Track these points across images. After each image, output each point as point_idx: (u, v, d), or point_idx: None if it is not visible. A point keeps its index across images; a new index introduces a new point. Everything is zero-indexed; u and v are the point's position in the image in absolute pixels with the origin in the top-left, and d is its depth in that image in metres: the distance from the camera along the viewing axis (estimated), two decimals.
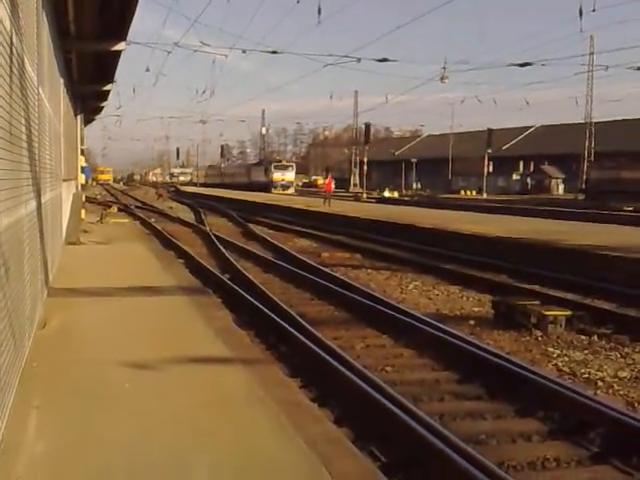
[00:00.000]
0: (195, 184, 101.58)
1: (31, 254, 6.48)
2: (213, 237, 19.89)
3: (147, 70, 33.31)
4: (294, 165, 75.78)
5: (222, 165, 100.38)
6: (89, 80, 18.69)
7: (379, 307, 9.89)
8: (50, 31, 9.57)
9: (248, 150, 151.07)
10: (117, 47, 13.48)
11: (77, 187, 23.45)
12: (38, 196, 7.32)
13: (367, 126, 66.41)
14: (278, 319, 8.92)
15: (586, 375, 7.28)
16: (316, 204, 34.74)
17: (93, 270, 12.11)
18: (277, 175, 70.06)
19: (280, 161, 75.78)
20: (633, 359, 7.94)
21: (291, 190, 68.49)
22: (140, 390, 5.28)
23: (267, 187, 67.60)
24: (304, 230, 23.93)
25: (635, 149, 60.12)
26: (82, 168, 25.92)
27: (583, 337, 8.92)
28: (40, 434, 4.35)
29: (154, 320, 8.03)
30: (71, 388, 5.34)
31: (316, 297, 11.46)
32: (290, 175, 71.36)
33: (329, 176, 43.54)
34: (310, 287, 12.21)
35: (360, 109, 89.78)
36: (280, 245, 18.89)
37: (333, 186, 40.85)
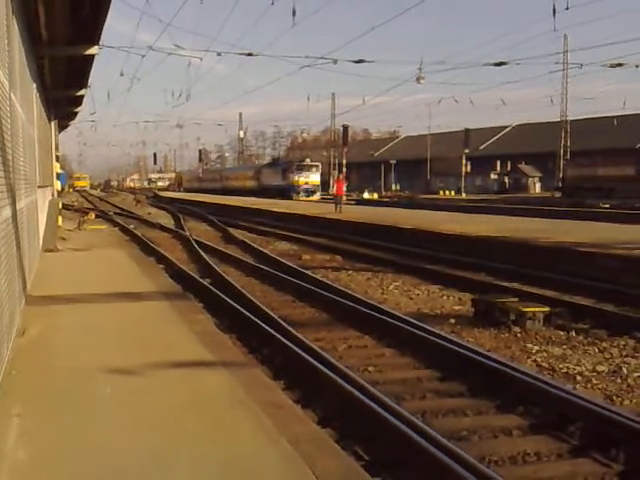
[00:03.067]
0: (176, 190, 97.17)
1: (7, 262, 6.42)
2: (193, 242, 19.84)
3: (121, 74, 33.12)
4: (319, 165, 61.88)
5: (218, 167, 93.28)
6: (63, 85, 18.56)
7: (360, 308, 9.92)
8: (21, 37, 9.50)
9: (227, 154, 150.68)
10: (90, 51, 13.41)
11: (53, 194, 23.27)
12: (13, 203, 7.26)
13: (345, 128, 66.66)
14: (260, 322, 8.92)
15: (565, 370, 7.36)
16: (296, 207, 34.72)
17: (72, 277, 12.02)
18: (300, 178, 57.60)
19: (303, 160, 61.50)
20: (611, 353, 8.04)
21: (317, 196, 56.50)
22: (122, 395, 5.26)
23: (285, 192, 56.17)
24: (284, 233, 23.93)
25: (610, 146, 60.81)
26: (58, 175, 25.72)
27: (561, 333, 9.02)
28: (21, 441, 4.32)
29: (135, 326, 8.00)
30: (52, 395, 5.31)
31: (297, 299, 11.47)
32: (315, 177, 58.56)
33: (339, 177, 35.97)
34: (291, 289, 12.22)
35: (337, 111, 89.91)
36: (260, 249, 18.88)
37: (345, 189, 35.79)
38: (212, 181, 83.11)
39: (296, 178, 57.60)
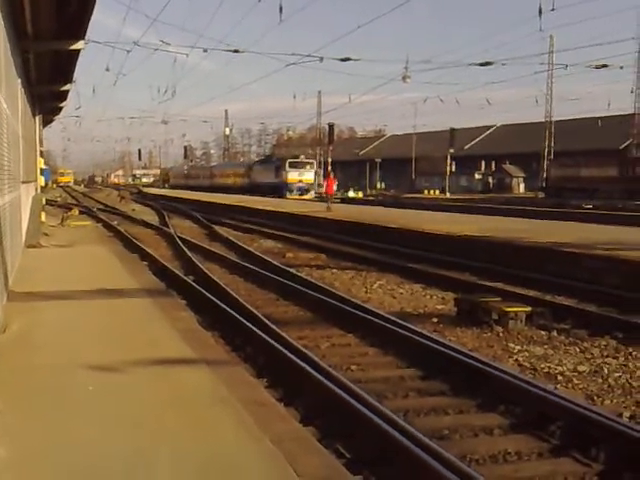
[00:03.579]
0: (160, 186, 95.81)
1: None
2: (177, 239, 19.78)
3: (107, 70, 32.98)
4: (314, 162, 59.84)
5: (203, 163, 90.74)
6: (47, 80, 18.43)
7: (344, 306, 9.94)
8: (6, 31, 9.43)
9: (212, 151, 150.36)
10: (75, 46, 13.32)
11: (37, 189, 23.10)
12: None
13: (331, 126, 66.38)
14: (243, 320, 8.91)
15: (546, 370, 7.41)
16: (282, 205, 34.70)
17: (54, 273, 11.96)
18: (293, 175, 55.59)
19: (297, 157, 59.63)
20: (592, 353, 8.10)
21: (311, 194, 54.67)
22: (103, 392, 5.24)
23: (277, 190, 54.29)
24: (269, 231, 23.91)
25: (594, 147, 61.25)
26: (41, 170, 25.54)
27: (543, 332, 9.07)
28: (2, 439, 4.30)
29: (117, 322, 7.97)
30: (33, 392, 5.28)
31: (281, 297, 11.47)
32: (309, 175, 56.38)
33: (329, 175, 35.08)
34: (275, 287, 12.22)
35: (323, 109, 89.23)
36: (245, 247, 18.85)
37: (335, 187, 35.17)
38: (201, 178, 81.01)
39: (289, 175, 55.58)
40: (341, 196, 61.34)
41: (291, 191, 54.53)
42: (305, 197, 52.36)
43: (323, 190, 36.01)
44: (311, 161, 59.25)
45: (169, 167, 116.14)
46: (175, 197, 51.08)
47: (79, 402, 5.02)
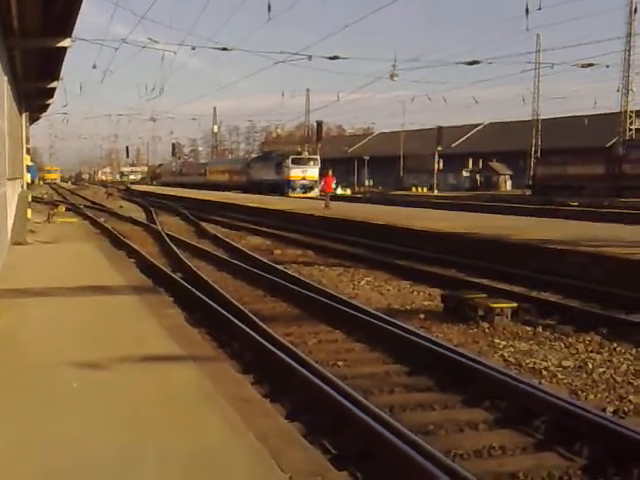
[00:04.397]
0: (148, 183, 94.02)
1: None
2: (165, 236, 19.73)
3: (94, 67, 32.74)
4: (318, 159, 55.22)
5: (192, 160, 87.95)
6: (34, 77, 18.34)
7: (331, 303, 9.95)
8: None
9: (200, 148, 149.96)
10: (62, 44, 13.28)
11: (23, 186, 22.99)
12: None
13: (319, 124, 66.74)
14: (230, 316, 8.91)
15: (531, 365, 7.46)
16: (271, 202, 34.68)
17: (40, 270, 11.90)
18: (296, 172, 52.34)
19: (300, 152, 56.51)
20: (577, 349, 8.16)
21: (315, 192, 49.93)
22: (89, 390, 5.23)
23: (279, 188, 51.55)
24: (257, 228, 23.89)
25: (581, 145, 61.57)
26: (28, 167, 25.43)
27: (528, 328, 9.12)
28: None
29: (103, 319, 7.95)
30: (19, 389, 5.27)
31: (269, 294, 11.48)
32: (313, 172, 52.49)
33: (328, 172, 33.18)
34: (263, 284, 12.22)
35: (312, 107, 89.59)
36: (233, 243, 18.83)
37: (334, 185, 34.17)
38: (194, 175, 77.97)
39: (292, 172, 52.19)
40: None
41: (294, 189, 51.37)
42: (309, 195, 48.99)
43: (322, 187, 34.67)
44: (315, 157, 55.52)
45: (158, 164, 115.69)
46: (163, 194, 50.91)
47: (64, 400, 5.01)
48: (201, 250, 17.20)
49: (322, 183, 33.55)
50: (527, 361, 7.59)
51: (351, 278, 13.72)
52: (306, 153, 56.49)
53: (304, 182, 52.08)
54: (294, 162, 52.87)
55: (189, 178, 78.06)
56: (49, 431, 4.39)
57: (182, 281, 11.92)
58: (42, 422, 4.55)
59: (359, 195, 60.02)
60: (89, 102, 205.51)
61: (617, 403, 6.24)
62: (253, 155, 75.61)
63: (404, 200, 44.58)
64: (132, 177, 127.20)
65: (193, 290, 10.87)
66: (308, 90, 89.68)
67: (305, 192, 50.74)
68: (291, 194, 49.62)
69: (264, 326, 8.36)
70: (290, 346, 7.49)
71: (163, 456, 4.02)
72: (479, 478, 4.40)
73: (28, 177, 25.88)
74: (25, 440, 4.24)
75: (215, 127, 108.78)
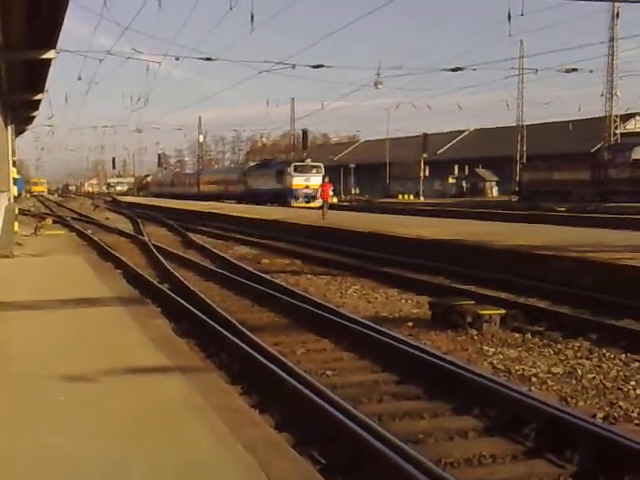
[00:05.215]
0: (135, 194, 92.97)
1: None
2: (152, 247, 19.65)
3: (79, 79, 32.65)
4: (322, 166, 51.50)
5: (178, 170, 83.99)
6: (19, 89, 18.29)
7: (319, 312, 9.93)
8: None
9: (186, 158, 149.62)
10: (47, 55, 13.26)
11: (9, 199, 22.86)
12: None
13: (304, 132, 66.91)
14: (217, 326, 8.87)
15: (520, 372, 7.46)
16: (256, 211, 34.65)
17: (27, 283, 11.83)
18: (299, 180, 49.19)
19: (303, 159, 53.38)
20: (566, 355, 8.16)
21: (318, 202, 43.50)
22: (76, 402, 5.19)
23: (280, 198, 49.09)
24: (244, 238, 23.85)
25: (566, 151, 61.89)
26: (14, 180, 25.31)
27: (517, 335, 9.12)
28: None
29: (90, 331, 7.89)
30: (5, 403, 5.21)
31: (256, 304, 11.44)
32: (316, 180, 46.88)
33: (325, 181, 31.93)
34: (250, 294, 12.18)
35: (297, 115, 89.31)
36: (220, 253, 18.79)
37: (331, 192, 33.11)
38: (187, 185, 74.62)
39: (294, 181, 49.05)
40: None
41: (297, 198, 48.39)
42: (312, 205, 45.13)
43: (318, 196, 33.48)
44: (318, 164, 51.87)
45: (145, 175, 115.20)
46: (150, 205, 50.77)
47: (50, 413, 4.96)
48: (188, 260, 17.14)
49: (319, 191, 32.65)
50: (516, 368, 7.59)
51: (339, 286, 13.70)
52: (309, 160, 52.88)
53: (307, 191, 48.89)
54: (297, 170, 49.95)
55: (181, 189, 74.93)
56: (36, 444, 4.34)
57: (169, 291, 11.87)
58: (29, 435, 4.50)
59: (345, 203, 60.03)
60: (75, 114, 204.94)
61: (607, 409, 6.24)
62: (251, 163, 72.42)
63: (391, 208, 44.59)
64: (119, 188, 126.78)
65: (180, 300, 10.83)
66: (293, 99, 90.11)
67: (308, 202, 47.65)
68: (294, 204, 47.27)
69: (252, 336, 8.32)
70: (278, 356, 7.46)
71: (151, 468, 3.98)
72: None
73: (15, 190, 25.73)
74: (12, 453, 4.19)
75: (201, 137, 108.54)
